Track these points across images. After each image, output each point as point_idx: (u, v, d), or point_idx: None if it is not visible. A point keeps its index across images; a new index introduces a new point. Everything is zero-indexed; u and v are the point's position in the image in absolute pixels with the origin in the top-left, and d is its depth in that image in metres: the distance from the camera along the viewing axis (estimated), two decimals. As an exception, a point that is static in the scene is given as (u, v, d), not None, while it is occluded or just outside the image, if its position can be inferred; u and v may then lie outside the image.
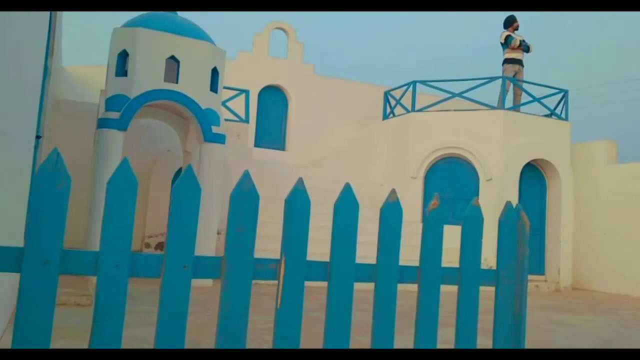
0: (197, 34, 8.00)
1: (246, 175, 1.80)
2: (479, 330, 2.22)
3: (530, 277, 10.71)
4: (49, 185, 1.56)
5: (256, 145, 13.00)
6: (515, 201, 10.51)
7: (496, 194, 10.47)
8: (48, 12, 5.50)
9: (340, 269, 1.93)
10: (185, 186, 1.71)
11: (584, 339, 5.71)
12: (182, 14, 8.55)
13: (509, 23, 11.94)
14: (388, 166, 12.00)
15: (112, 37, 7.70)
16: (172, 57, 7.71)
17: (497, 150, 10.67)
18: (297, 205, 1.87)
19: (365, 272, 2.00)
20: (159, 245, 9.47)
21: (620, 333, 6.31)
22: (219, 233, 9.83)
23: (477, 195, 10.73)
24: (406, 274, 2.07)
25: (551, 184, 11.32)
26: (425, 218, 2.11)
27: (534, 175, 11.29)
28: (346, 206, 1.97)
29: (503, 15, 12.11)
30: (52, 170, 1.56)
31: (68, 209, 1.58)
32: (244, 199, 1.78)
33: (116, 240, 1.62)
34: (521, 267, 2.26)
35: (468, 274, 2.17)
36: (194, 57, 7.79)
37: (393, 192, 2.07)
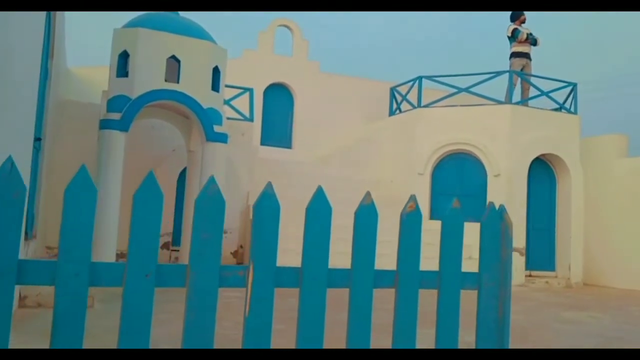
0: (197, 33, 7.98)
1: (211, 181, 1.76)
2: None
3: (540, 273, 10.69)
4: (3, 194, 1.52)
5: (262, 143, 12.96)
6: (524, 197, 10.41)
7: (504, 189, 10.35)
8: (43, 14, 5.50)
9: (312, 275, 1.88)
10: (146, 193, 1.67)
11: (587, 337, 5.61)
12: (183, 13, 8.54)
13: (516, 16, 11.78)
14: (395, 163, 11.91)
15: (113, 38, 7.71)
16: (173, 57, 7.70)
17: (505, 145, 10.53)
18: (266, 210, 1.83)
19: (339, 278, 1.95)
20: (165, 245, 9.49)
21: (626, 331, 6.20)
22: (225, 232, 9.86)
23: (486, 190, 10.63)
24: (382, 279, 2.01)
25: (561, 179, 11.16)
26: (402, 221, 2.06)
27: (543, 171, 11.14)
28: (318, 210, 1.92)
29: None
30: (7, 179, 1.53)
31: (23, 218, 1.54)
32: (209, 205, 1.74)
33: (75, 249, 1.59)
34: (504, 269, 2.20)
35: (448, 278, 2.12)
36: (194, 57, 7.77)
37: (368, 194, 2.02)
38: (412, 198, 2.09)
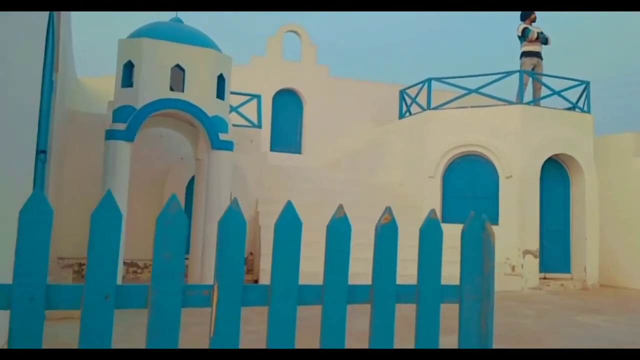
0: (202, 41, 7.98)
1: (172, 199, 1.72)
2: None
3: (555, 275, 10.51)
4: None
5: (272, 149, 12.95)
6: (536, 198, 10.23)
7: (517, 191, 10.19)
8: (44, 28, 5.53)
9: (282, 293, 1.83)
10: (104, 212, 1.64)
11: (598, 342, 5.47)
12: (188, 21, 8.56)
13: (526, 15, 11.62)
14: (406, 166, 11.81)
15: (118, 49, 7.73)
16: (178, 66, 7.70)
17: (516, 146, 10.37)
18: (231, 226, 1.78)
19: (310, 294, 1.89)
20: (175, 254, 9.50)
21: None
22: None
23: (498, 192, 10.47)
24: (357, 294, 1.96)
25: (574, 179, 10.96)
26: (377, 233, 2.00)
27: (556, 171, 10.95)
28: (288, 225, 1.87)
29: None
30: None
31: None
32: (170, 224, 1.70)
33: (31, 272, 1.56)
34: (487, 281, 2.12)
35: (427, 291, 2.05)
36: (199, 65, 7.76)
37: (340, 207, 1.97)
38: (388, 210, 2.03)
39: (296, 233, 1.87)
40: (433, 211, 2.09)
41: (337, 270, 1.92)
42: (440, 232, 2.09)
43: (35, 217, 1.57)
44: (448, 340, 2.17)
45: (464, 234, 2.14)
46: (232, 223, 1.78)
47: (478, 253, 2.12)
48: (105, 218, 1.64)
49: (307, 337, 2.38)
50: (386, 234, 2.00)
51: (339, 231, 1.94)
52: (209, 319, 1.74)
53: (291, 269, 1.85)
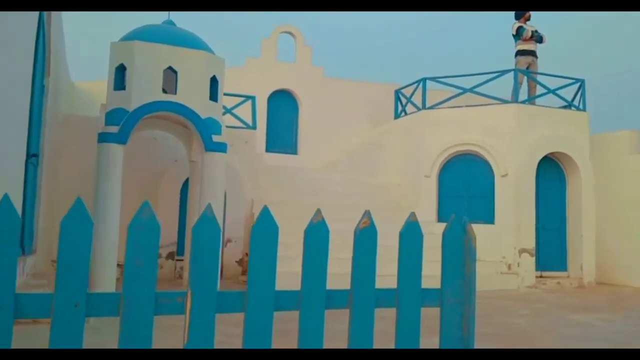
0: (194, 43, 7.96)
1: (145, 205, 1.70)
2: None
3: (551, 273, 10.50)
4: None
5: (267, 150, 12.94)
6: (532, 196, 10.22)
7: (512, 190, 10.18)
8: (33, 32, 5.51)
9: (258, 299, 1.81)
10: (74, 219, 1.61)
11: (593, 342, 5.45)
12: (183, 23, 8.54)
13: (520, 14, 11.59)
14: (402, 166, 11.80)
15: (110, 52, 7.70)
16: (170, 68, 7.67)
17: (511, 145, 10.36)
18: (205, 233, 1.76)
19: (287, 300, 1.87)
20: (170, 256, 9.48)
21: (636, 335, 6.03)
22: (229, 241, 9.84)
23: (494, 191, 10.46)
24: (335, 299, 1.94)
25: (570, 177, 10.94)
26: (356, 237, 1.98)
27: (552, 169, 10.93)
28: (264, 230, 1.85)
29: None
30: None
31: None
32: (143, 231, 1.68)
33: (-1, 281, 1.54)
34: (469, 285, 2.10)
35: (407, 295, 2.03)
36: (191, 67, 7.74)
37: (318, 212, 1.95)
38: (367, 214, 2.01)
39: (272, 238, 1.85)
40: (413, 214, 2.07)
41: (315, 275, 1.90)
42: (420, 235, 2.07)
43: (2, 226, 1.54)
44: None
45: (444, 237, 2.11)
46: (206, 229, 1.76)
47: (459, 256, 2.10)
48: (75, 225, 1.62)
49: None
50: (365, 239, 1.98)
51: (316, 236, 1.91)
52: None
53: (267, 275, 1.83)
